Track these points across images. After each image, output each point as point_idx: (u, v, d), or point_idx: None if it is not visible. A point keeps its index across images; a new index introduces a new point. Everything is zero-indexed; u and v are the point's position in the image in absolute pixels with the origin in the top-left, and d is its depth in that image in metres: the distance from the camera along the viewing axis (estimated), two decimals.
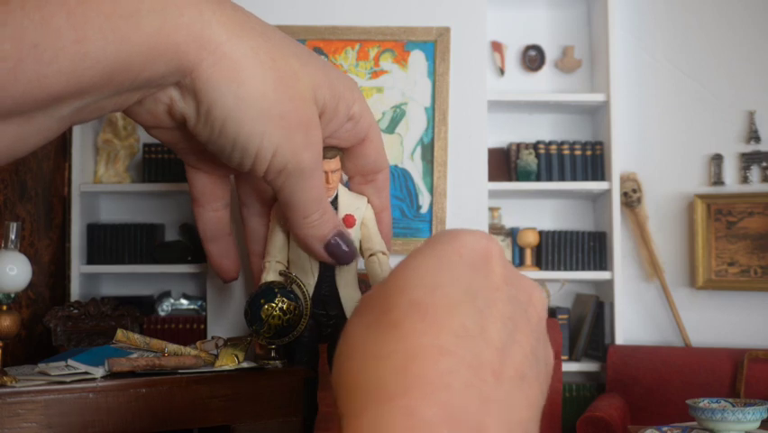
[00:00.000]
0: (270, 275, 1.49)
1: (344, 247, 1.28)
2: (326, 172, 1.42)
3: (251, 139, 0.86)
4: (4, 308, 1.24)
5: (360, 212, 1.49)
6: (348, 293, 1.50)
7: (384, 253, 1.50)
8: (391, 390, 0.39)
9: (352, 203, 1.50)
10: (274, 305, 1.39)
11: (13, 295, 1.23)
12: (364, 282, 1.57)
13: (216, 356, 1.44)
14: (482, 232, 0.47)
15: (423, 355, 0.39)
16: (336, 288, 1.49)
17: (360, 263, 1.56)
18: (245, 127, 0.84)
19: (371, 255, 1.49)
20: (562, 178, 3.06)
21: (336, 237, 1.26)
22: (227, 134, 0.85)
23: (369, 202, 1.41)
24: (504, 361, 0.41)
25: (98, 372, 1.22)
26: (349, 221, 1.49)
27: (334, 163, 1.46)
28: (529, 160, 3.06)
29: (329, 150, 1.40)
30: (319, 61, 0.96)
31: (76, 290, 2.71)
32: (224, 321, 2.54)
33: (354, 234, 1.50)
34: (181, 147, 1.07)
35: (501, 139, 3.13)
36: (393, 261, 1.57)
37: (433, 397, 0.38)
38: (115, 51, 0.63)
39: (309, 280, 1.48)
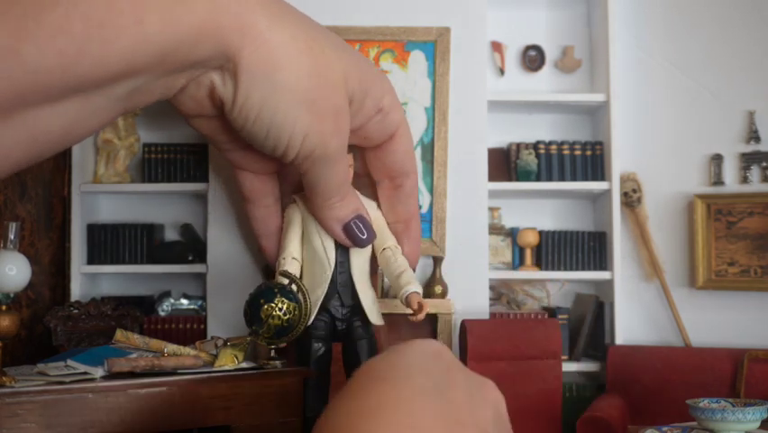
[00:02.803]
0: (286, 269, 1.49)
1: (362, 230, 1.30)
2: None
3: (284, 125, 0.88)
4: (4, 308, 1.24)
5: (372, 211, 1.50)
6: (363, 287, 1.51)
7: (396, 247, 1.52)
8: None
9: (363, 202, 1.51)
10: (274, 305, 1.39)
11: (12, 295, 1.24)
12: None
13: (216, 356, 1.44)
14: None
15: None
16: (352, 279, 1.50)
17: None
18: (280, 113, 0.86)
19: (384, 249, 1.51)
20: (562, 178, 3.06)
21: (355, 220, 1.27)
22: (262, 120, 0.87)
23: (392, 210, 1.42)
24: (468, 418, 0.46)
25: (97, 372, 1.22)
26: None
27: (348, 158, 1.47)
28: (529, 160, 3.06)
29: None
30: (352, 52, 0.97)
31: (76, 290, 2.71)
32: (224, 321, 2.54)
33: None
34: (223, 141, 1.08)
35: (501, 139, 3.13)
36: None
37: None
38: (170, 33, 0.64)
39: (326, 272, 1.48)
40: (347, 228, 1.27)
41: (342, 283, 1.51)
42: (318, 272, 1.49)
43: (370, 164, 1.32)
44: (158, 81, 0.70)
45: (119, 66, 0.61)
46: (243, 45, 0.76)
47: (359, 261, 1.51)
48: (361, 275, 1.52)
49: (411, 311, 1.52)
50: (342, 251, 1.48)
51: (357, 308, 1.54)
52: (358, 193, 1.38)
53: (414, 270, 1.53)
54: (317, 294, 1.48)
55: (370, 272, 1.56)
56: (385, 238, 1.52)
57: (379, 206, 1.49)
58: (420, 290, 1.53)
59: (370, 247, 1.52)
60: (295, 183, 1.45)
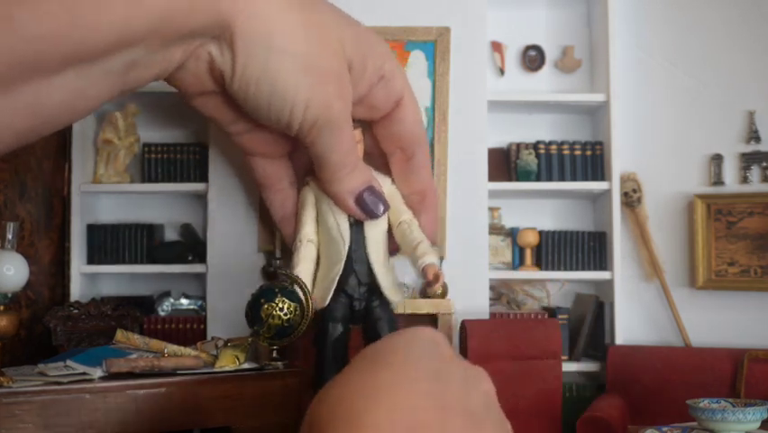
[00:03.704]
0: (301, 258, 1.47)
1: (375, 201, 1.28)
2: None
3: (285, 92, 0.88)
4: (2, 308, 1.24)
5: (386, 186, 1.48)
6: (379, 264, 1.49)
7: (412, 219, 1.50)
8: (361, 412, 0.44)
9: (377, 177, 1.49)
10: (274, 305, 1.39)
11: (10, 295, 1.23)
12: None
13: (217, 357, 1.44)
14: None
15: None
16: (368, 256, 1.48)
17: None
18: (280, 80, 0.86)
19: (400, 223, 1.50)
20: (562, 178, 3.06)
21: (367, 191, 1.26)
22: (263, 88, 0.87)
23: (406, 181, 1.40)
24: (465, 402, 0.49)
25: (96, 372, 1.22)
26: None
27: (357, 134, 1.46)
28: (529, 160, 3.06)
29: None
30: (349, 19, 0.97)
31: (76, 290, 2.71)
32: (224, 321, 2.54)
33: None
34: (228, 121, 1.08)
35: (501, 139, 3.13)
36: (393, 261, 1.57)
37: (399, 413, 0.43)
38: (163, 1, 0.64)
39: (341, 250, 1.47)
40: (359, 200, 1.26)
41: (357, 261, 1.48)
42: (334, 251, 1.47)
43: (380, 137, 1.31)
44: (155, 55, 0.70)
45: (113, 34, 0.61)
46: (237, 12, 0.77)
47: (374, 237, 1.47)
48: (377, 252, 1.49)
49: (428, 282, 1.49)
50: (357, 228, 1.45)
51: (374, 287, 1.51)
52: (370, 168, 1.36)
53: (434, 242, 1.51)
54: (334, 272, 1.45)
55: (387, 250, 1.53)
56: (400, 212, 1.49)
57: (393, 181, 1.47)
58: (437, 261, 1.50)
59: (385, 223, 1.49)
60: (306, 167, 1.44)
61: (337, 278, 1.44)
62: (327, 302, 1.44)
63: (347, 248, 1.44)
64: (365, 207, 1.28)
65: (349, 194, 1.25)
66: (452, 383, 0.48)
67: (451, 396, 0.47)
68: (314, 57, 0.86)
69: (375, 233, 1.47)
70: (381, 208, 1.33)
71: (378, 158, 1.40)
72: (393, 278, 1.52)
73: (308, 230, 1.46)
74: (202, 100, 0.98)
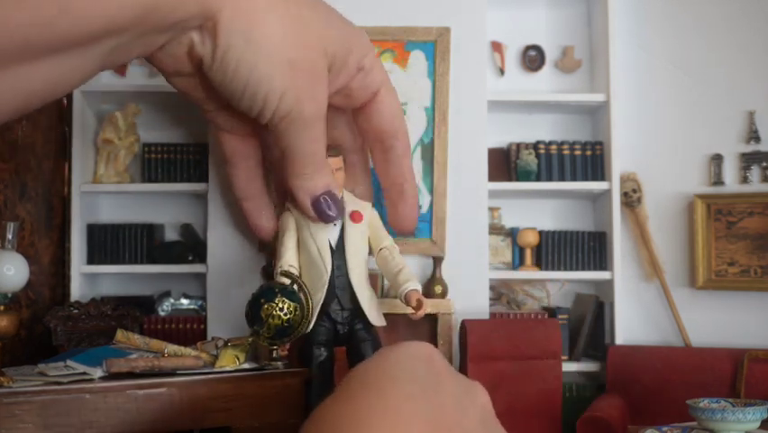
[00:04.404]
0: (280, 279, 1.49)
1: (330, 206, 1.29)
2: None
3: (261, 82, 0.89)
4: (2, 308, 1.24)
5: (366, 211, 1.49)
6: (362, 289, 1.51)
7: (393, 246, 1.52)
8: None
9: (357, 203, 1.51)
10: (274, 305, 1.39)
11: (10, 295, 1.23)
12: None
13: (217, 357, 1.44)
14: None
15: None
16: (350, 281, 1.49)
17: (371, 263, 1.57)
18: (256, 70, 0.87)
19: (381, 249, 1.51)
20: (562, 178, 3.06)
21: (326, 195, 1.27)
22: (239, 77, 0.88)
23: (386, 174, 1.41)
24: (461, 418, 0.47)
25: (96, 372, 1.22)
26: (356, 216, 1.50)
27: (337, 162, 1.47)
28: (529, 160, 3.06)
29: (331, 149, 1.41)
30: (333, 14, 0.97)
31: (76, 290, 2.71)
32: (224, 321, 2.54)
33: (361, 229, 1.50)
34: (201, 97, 1.09)
35: (501, 139, 3.13)
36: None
37: None
38: None
39: (323, 277, 1.48)
40: (316, 202, 1.27)
41: (339, 287, 1.50)
42: (315, 278, 1.49)
43: (358, 128, 1.32)
44: (138, 40, 0.70)
45: (99, 24, 0.61)
46: (222, 5, 0.77)
47: (356, 263, 1.50)
48: (358, 277, 1.51)
49: (411, 309, 1.51)
50: (339, 254, 1.48)
51: (357, 311, 1.53)
52: (352, 195, 1.38)
53: (411, 233, 1.52)
54: (317, 299, 1.48)
55: (368, 275, 1.55)
56: (381, 238, 1.51)
57: (374, 205, 1.49)
58: (419, 287, 1.53)
59: (366, 250, 1.51)
60: (286, 191, 1.45)
61: (320, 304, 1.47)
62: (310, 327, 1.47)
63: (329, 274, 1.46)
64: (319, 210, 1.30)
65: (308, 194, 1.26)
66: (446, 401, 0.47)
67: (446, 415, 0.46)
68: (293, 52, 0.87)
69: (357, 259, 1.49)
70: (335, 215, 1.34)
71: (358, 165, 1.42)
72: (376, 302, 1.54)
73: (288, 257, 1.49)
74: (178, 80, 0.99)
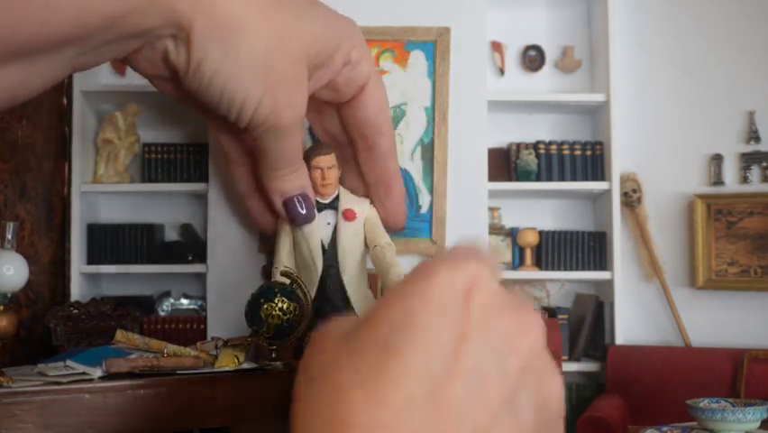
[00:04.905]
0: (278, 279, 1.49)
1: (301, 209, 1.29)
2: (321, 169, 1.42)
3: (237, 91, 0.88)
4: (1, 308, 1.24)
5: (363, 209, 1.49)
6: (354, 289, 1.50)
7: (389, 244, 1.51)
8: None
9: (354, 201, 1.51)
10: (274, 304, 1.39)
11: (9, 295, 1.23)
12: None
13: (216, 357, 1.44)
14: (469, 256, 0.41)
15: None
16: (342, 281, 1.49)
17: (368, 263, 1.57)
18: (232, 79, 0.86)
19: (375, 247, 1.51)
20: (562, 178, 3.06)
21: (299, 197, 1.27)
22: (215, 87, 0.88)
23: (370, 171, 1.41)
24: (459, 426, 0.37)
25: (96, 372, 1.22)
26: (348, 215, 1.50)
27: (330, 159, 1.46)
28: (529, 160, 3.06)
29: (324, 146, 1.41)
30: (320, 10, 0.96)
31: (76, 290, 2.71)
32: (224, 321, 2.54)
33: (355, 228, 1.50)
34: (184, 99, 1.08)
35: (501, 139, 3.13)
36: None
37: None
38: (117, 1, 0.64)
39: (313, 276, 1.48)
40: (287, 203, 1.27)
41: (331, 286, 1.50)
42: (307, 278, 1.49)
43: (344, 122, 1.31)
44: (108, 45, 0.70)
45: (64, 30, 0.61)
46: (195, 15, 0.76)
47: (349, 263, 1.50)
48: (351, 277, 1.51)
49: None
50: (330, 254, 1.48)
51: (349, 311, 1.53)
52: (348, 193, 1.38)
53: (400, 230, 1.52)
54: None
55: (365, 269, 1.55)
56: (377, 236, 1.51)
57: (372, 203, 1.49)
58: None
59: (361, 249, 1.51)
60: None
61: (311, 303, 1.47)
62: (310, 327, 1.47)
63: (319, 274, 1.46)
64: (291, 211, 1.30)
65: (279, 195, 1.26)
66: (483, 358, 0.38)
67: (483, 374, 0.38)
68: (270, 60, 0.86)
69: (351, 259, 1.48)
70: (307, 216, 1.34)
71: (344, 147, 1.41)
72: (369, 299, 1.53)
73: (282, 257, 1.49)
74: (159, 82, 0.99)
